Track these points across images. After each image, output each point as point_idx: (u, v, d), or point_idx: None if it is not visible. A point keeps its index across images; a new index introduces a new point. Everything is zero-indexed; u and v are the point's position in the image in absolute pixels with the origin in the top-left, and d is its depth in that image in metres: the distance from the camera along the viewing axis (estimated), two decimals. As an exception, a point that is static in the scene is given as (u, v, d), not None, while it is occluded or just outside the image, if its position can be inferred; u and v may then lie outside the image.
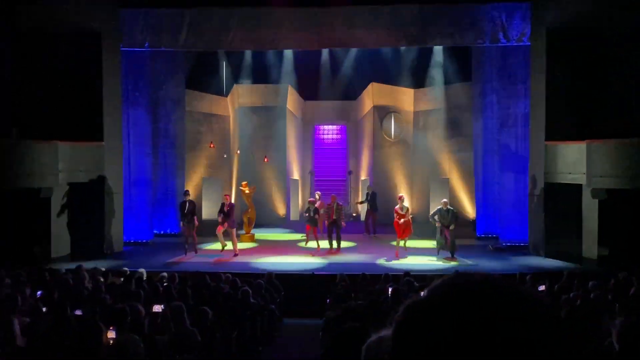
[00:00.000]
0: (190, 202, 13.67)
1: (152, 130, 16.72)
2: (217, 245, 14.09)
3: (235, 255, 13.24)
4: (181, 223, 13.61)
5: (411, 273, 9.41)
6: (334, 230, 14.30)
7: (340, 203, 14.85)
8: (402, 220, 13.22)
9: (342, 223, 14.30)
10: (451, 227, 12.87)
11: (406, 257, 13.15)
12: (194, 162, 21.19)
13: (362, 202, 18.43)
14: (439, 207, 13.30)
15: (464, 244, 15.84)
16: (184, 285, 8.14)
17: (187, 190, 14.49)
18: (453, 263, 12.61)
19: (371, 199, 17.71)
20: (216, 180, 22.17)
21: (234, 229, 13.41)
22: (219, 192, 21.82)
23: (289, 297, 10.18)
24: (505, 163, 15.73)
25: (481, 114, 16.88)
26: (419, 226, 15.62)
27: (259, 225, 17.85)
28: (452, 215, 12.98)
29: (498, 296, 0.87)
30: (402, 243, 13.39)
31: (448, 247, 12.91)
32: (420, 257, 13.39)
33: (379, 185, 20.53)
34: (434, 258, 13.01)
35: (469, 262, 12.75)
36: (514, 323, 0.83)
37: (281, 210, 21.31)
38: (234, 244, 13.36)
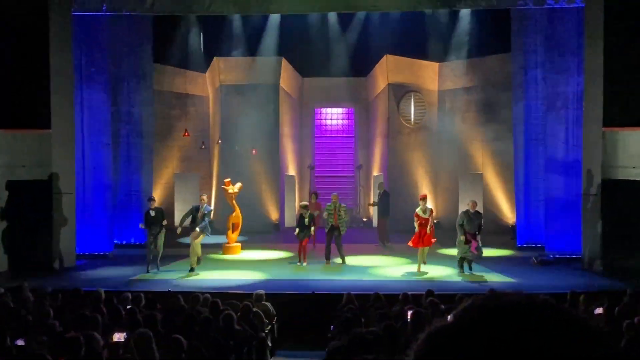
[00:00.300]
0: (158, 210, 13.64)
1: (111, 114, 16.71)
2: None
3: (191, 270, 13.18)
4: (149, 237, 13.52)
5: (436, 292, 9.41)
6: (333, 239, 14.29)
7: (344, 204, 14.81)
8: (422, 225, 13.18)
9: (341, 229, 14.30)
10: (478, 236, 12.86)
11: (426, 273, 13.14)
12: (165, 155, 21.22)
13: (374, 204, 18.42)
14: (465, 209, 13.27)
15: (502, 256, 15.85)
16: (152, 308, 8.13)
17: (152, 197, 14.42)
18: (477, 279, 12.61)
19: (381, 200, 17.65)
20: (192, 177, 22.19)
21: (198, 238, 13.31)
22: (195, 192, 21.86)
23: (284, 322, 10.18)
24: (553, 155, 15.72)
25: (523, 94, 16.86)
26: (445, 233, 15.64)
27: (246, 232, 17.85)
28: (480, 219, 13.00)
29: (540, 323, 0.87)
30: (420, 255, 13.35)
31: (474, 256, 12.91)
32: (446, 268, 13.38)
33: (395, 183, 20.57)
34: (466, 273, 13.01)
35: (507, 278, 12.75)
36: (559, 357, 0.83)
37: (273, 214, 21.33)
38: (192, 256, 13.28)
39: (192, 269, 13.18)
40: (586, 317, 0.93)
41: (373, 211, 21.02)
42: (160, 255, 13.50)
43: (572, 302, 8.76)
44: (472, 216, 12.97)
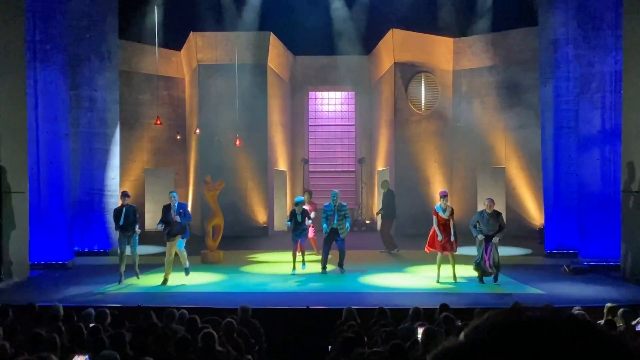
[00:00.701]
0: (130, 208, 13.61)
1: (70, 100, 16.66)
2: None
3: (164, 282, 13.20)
4: (118, 238, 13.52)
5: (451, 306, 9.42)
6: (333, 242, 14.34)
7: (344, 203, 14.81)
8: (441, 227, 13.17)
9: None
10: (495, 240, 12.83)
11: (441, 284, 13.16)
12: (133, 147, 21.18)
13: (380, 212, 18.42)
14: (481, 209, 13.29)
15: (528, 264, 15.86)
16: (119, 327, 8.10)
17: (126, 192, 14.37)
18: (499, 290, 12.62)
19: (384, 200, 17.57)
20: (165, 172, 22.16)
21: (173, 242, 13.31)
22: (168, 189, 21.78)
23: (273, 342, 10.17)
24: (587, 145, 15.74)
25: (551, 75, 16.87)
26: (461, 238, 15.60)
27: (229, 236, 17.84)
28: (499, 220, 12.97)
29: (566, 344, 0.86)
30: (444, 262, 13.34)
31: (490, 270, 12.91)
32: (463, 278, 13.40)
33: (403, 180, 20.61)
34: (489, 285, 13.02)
35: (534, 290, 12.77)
36: None
37: (261, 216, 21.32)
38: (167, 267, 13.29)
39: (165, 281, 13.19)
40: (623, 337, 0.91)
41: (378, 218, 21.04)
42: (137, 260, 13.50)
43: (609, 316, 8.77)
44: (489, 217, 12.95)
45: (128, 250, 13.49)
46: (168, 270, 13.24)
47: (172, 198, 13.39)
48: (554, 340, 0.86)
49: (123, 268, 13.38)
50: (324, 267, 14.48)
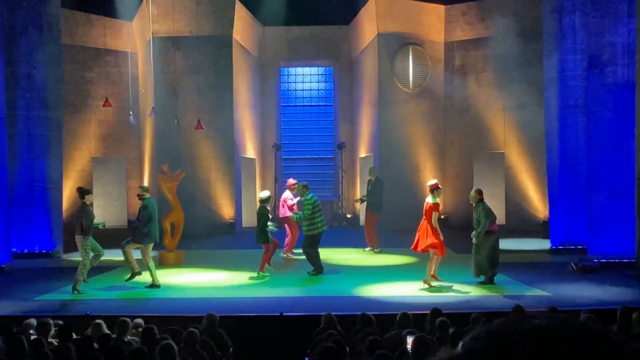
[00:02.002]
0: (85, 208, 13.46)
1: (5, 78, 16.50)
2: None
3: (154, 286, 13.18)
4: (79, 239, 13.31)
5: (444, 311, 9.46)
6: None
7: (311, 195, 14.76)
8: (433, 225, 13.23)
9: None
10: (473, 235, 12.91)
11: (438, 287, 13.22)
12: (79, 133, 21.02)
13: (362, 201, 18.44)
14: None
15: (531, 261, 15.97)
16: (65, 339, 8.06)
17: (86, 190, 14.11)
18: (487, 291, 12.71)
19: (372, 190, 17.55)
20: (116, 161, 22.03)
21: (148, 245, 13.31)
22: (119, 181, 21.69)
23: (242, 355, 10.17)
24: (597, 126, 15.84)
25: (557, 46, 16.97)
26: (456, 232, 15.71)
27: (191, 235, 17.79)
28: (483, 212, 13.02)
29: (575, 357, 0.85)
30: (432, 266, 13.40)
31: (479, 267, 13.00)
32: (457, 278, 13.48)
33: (389, 168, 20.65)
34: (486, 286, 13.10)
35: (538, 291, 12.86)
36: None
37: (227, 210, 21.29)
38: (151, 271, 13.28)
39: (156, 285, 13.21)
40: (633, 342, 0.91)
41: (360, 208, 21.07)
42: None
43: (624, 321, 8.85)
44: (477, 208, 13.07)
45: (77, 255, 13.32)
46: (154, 274, 13.26)
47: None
48: (561, 353, 0.86)
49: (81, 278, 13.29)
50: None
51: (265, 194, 15.06)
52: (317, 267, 14.45)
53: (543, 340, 0.87)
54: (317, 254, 14.50)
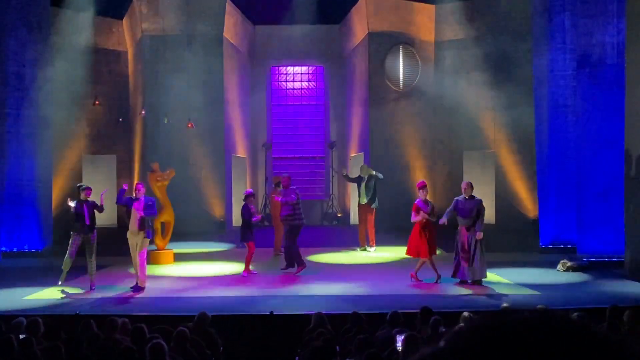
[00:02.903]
0: (90, 204, 13.35)
1: (-6, 77, 16.48)
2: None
3: (139, 288, 13.11)
4: (75, 238, 13.19)
5: (435, 310, 9.48)
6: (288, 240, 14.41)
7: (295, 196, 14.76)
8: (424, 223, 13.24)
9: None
10: (479, 235, 12.90)
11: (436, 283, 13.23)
12: (69, 131, 20.94)
13: (346, 176, 18.47)
14: (458, 197, 13.24)
15: (520, 260, 16.00)
16: (54, 338, 8.03)
17: (86, 187, 13.96)
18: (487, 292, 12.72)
19: (370, 186, 17.44)
20: (106, 160, 21.98)
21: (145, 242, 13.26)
22: (110, 179, 21.63)
23: (233, 353, 10.16)
24: (587, 125, 15.88)
25: (546, 46, 17.01)
26: (445, 232, 15.69)
27: (181, 233, 17.76)
28: (477, 207, 13.03)
29: (556, 349, 0.85)
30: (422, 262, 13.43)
31: (472, 270, 12.98)
32: (447, 276, 13.50)
33: (379, 167, 20.59)
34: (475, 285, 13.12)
35: (527, 290, 12.89)
36: None
37: (217, 209, 21.27)
38: (140, 269, 13.21)
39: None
40: (626, 341, 0.90)
41: (351, 206, 21.03)
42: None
43: (613, 318, 8.88)
44: (465, 203, 13.01)
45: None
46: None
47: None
48: (543, 345, 0.86)
49: (67, 271, 13.24)
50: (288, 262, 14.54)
51: (248, 191, 15.14)
52: (301, 263, 14.47)
53: (524, 332, 0.88)
54: (298, 249, 14.56)
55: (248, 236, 14.34)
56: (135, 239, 12.98)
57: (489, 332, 0.89)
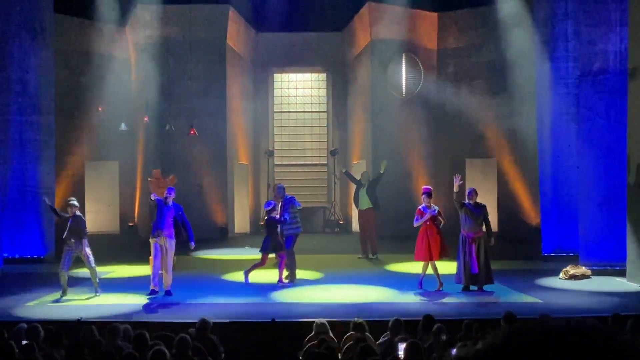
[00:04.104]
0: (77, 219, 13.30)
1: (-2, 83, 16.50)
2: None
3: (170, 292, 13.15)
4: (68, 245, 13.16)
5: (436, 318, 9.46)
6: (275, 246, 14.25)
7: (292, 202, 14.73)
8: (431, 229, 13.23)
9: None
10: (492, 241, 12.95)
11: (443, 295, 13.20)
12: (71, 138, 20.96)
13: (347, 173, 18.52)
14: (465, 201, 13.26)
15: (522, 268, 15.98)
16: (56, 344, 8.02)
17: (71, 201, 13.91)
18: (485, 297, 12.70)
19: (374, 192, 17.38)
20: (109, 166, 21.98)
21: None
22: (112, 186, 21.65)
23: (234, 360, 10.15)
24: (589, 134, 15.87)
25: (548, 54, 17.01)
26: (447, 238, 15.69)
27: (182, 240, 17.76)
28: (484, 213, 13.05)
29: (588, 353, 0.88)
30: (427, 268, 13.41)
31: (478, 277, 12.97)
32: (448, 284, 13.49)
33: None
34: (477, 293, 13.09)
35: (529, 298, 12.86)
36: None
37: (219, 215, 21.26)
38: (171, 272, 13.25)
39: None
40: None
41: (354, 213, 20.99)
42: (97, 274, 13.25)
43: (616, 326, 8.86)
44: (472, 210, 13.04)
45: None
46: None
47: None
48: (579, 350, 0.90)
49: (66, 283, 13.22)
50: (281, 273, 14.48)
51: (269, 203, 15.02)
52: (294, 274, 14.48)
53: (560, 339, 0.91)
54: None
55: (278, 245, 14.22)
56: (165, 243, 13.10)
57: (526, 336, 0.92)
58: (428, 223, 13.23)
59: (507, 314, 8.93)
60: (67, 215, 13.01)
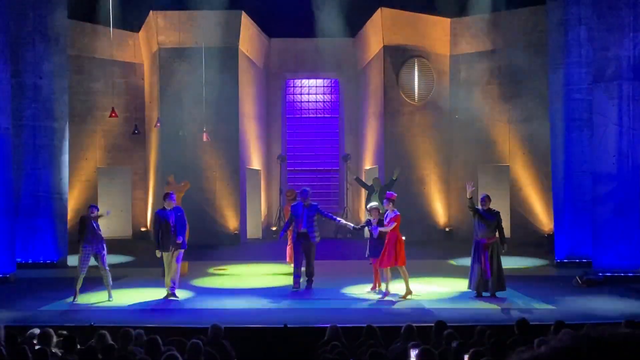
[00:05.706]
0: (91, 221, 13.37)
1: (12, 88, 16.53)
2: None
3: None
4: (83, 250, 13.22)
5: (448, 324, 9.44)
6: (301, 250, 14.21)
7: (315, 204, 14.72)
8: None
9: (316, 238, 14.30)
10: (506, 247, 12.98)
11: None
12: (85, 143, 21.07)
13: (362, 182, 18.44)
14: (479, 207, 13.30)
15: (535, 274, 15.93)
16: (69, 349, 8.04)
17: (94, 206, 14.01)
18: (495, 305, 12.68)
19: (383, 191, 17.42)
20: (121, 172, 22.05)
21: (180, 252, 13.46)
22: (125, 191, 21.71)
23: (246, 366, 10.15)
24: (602, 139, 15.82)
25: (562, 60, 16.97)
26: (461, 244, 15.73)
27: (196, 246, 17.78)
28: (498, 220, 13.06)
29: None
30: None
31: (489, 283, 12.96)
32: (459, 288, 13.45)
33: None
34: (490, 299, 13.05)
35: (543, 304, 12.81)
36: None
37: (232, 221, 21.27)
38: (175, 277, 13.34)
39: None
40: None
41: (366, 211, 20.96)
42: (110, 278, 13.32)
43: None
44: (485, 216, 13.07)
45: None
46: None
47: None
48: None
49: (77, 287, 13.26)
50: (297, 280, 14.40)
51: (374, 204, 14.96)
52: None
53: (626, 346, 0.93)
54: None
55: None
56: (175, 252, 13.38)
57: (592, 341, 0.94)
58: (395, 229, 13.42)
59: (520, 321, 8.93)
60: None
